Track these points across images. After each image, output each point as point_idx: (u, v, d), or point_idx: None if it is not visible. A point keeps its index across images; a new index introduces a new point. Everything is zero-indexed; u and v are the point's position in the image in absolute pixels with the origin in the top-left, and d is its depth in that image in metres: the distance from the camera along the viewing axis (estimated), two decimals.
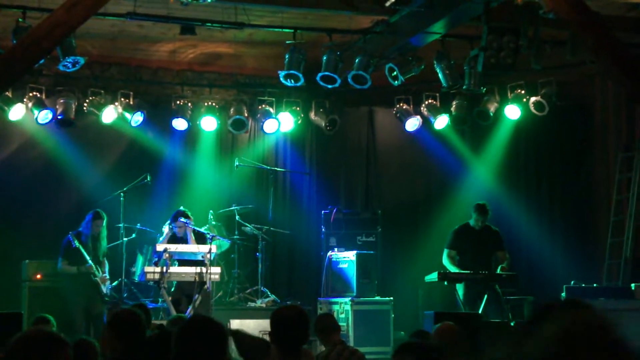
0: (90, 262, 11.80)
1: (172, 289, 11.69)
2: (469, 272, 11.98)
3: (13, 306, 11.83)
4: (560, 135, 14.89)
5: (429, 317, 10.28)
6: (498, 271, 12.01)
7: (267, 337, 10.13)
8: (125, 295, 12.76)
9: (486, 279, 11.92)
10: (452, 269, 12.08)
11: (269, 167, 14.18)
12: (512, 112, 14.25)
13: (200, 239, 11.88)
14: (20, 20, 10.76)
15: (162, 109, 14.16)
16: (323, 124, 14.46)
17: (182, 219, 11.83)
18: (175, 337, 4.02)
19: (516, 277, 12.12)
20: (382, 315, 12.32)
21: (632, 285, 12.07)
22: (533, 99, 13.96)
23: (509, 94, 14.20)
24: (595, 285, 12.58)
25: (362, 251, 12.97)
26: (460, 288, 12.02)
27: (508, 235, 13.75)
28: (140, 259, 12.98)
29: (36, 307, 11.81)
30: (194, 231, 11.91)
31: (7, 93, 12.72)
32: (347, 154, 15.31)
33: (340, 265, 12.87)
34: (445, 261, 12.26)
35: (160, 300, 11.94)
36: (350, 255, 12.79)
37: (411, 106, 14.51)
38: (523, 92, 14.08)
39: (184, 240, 11.83)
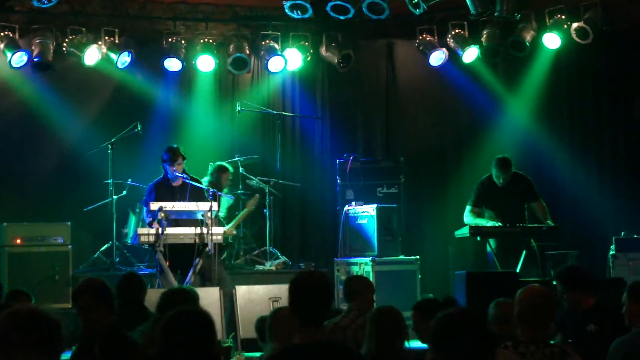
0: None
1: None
2: (504, 225, 12.03)
3: None
4: (607, 66, 14.79)
5: (460, 277, 10.40)
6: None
7: (277, 305, 10.32)
8: (117, 260, 12.89)
9: (524, 233, 11.98)
10: (481, 222, 12.10)
11: (275, 112, 14.19)
12: (552, 40, 14.18)
13: (196, 194, 11.77)
14: None
15: (152, 48, 14.15)
16: (335, 61, 14.44)
17: (181, 162, 11.67)
18: (159, 335, 4.17)
19: (558, 230, 12.16)
20: (407, 276, 12.39)
21: None
22: (575, 25, 13.87)
23: (547, 20, 14.12)
24: None
25: (384, 204, 12.99)
26: (492, 244, 12.10)
27: (549, 183, 13.81)
28: (132, 219, 13.08)
29: (17, 276, 11.93)
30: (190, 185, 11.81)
31: None
32: (363, 94, 15.30)
33: (359, 221, 12.92)
34: (467, 218, 12.28)
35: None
36: (370, 209, 12.82)
37: (435, 37, 14.46)
38: (563, 17, 14.00)
39: (180, 191, 11.71)
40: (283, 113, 14.34)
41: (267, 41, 14.27)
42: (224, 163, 12.71)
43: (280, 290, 10.86)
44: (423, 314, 7.04)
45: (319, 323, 4.99)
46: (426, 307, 7.13)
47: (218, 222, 11.73)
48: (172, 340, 4.13)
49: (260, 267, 13.10)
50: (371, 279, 11.95)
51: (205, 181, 12.47)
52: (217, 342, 4.35)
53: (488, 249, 12.18)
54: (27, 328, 3.39)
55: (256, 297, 10.73)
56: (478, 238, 12.07)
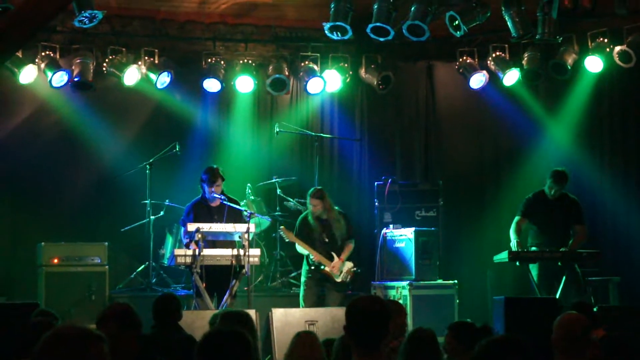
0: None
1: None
2: (544, 249, 11.95)
3: (28, 294, 12.06)
4: None
5: (499, 303, 10.29)
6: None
7: (313, 328, 10.31)
8: (154, 281, 12.94)
9: (564, 258, 11.88)
10: (514, 239, 12.01)
11: (313, 133, 14.19)
12: (594, 64, 14.10)
13: (234, 215, 11.76)
14: None
15: (191, 68, 14.24)
16: (375, 82, 14.46)
17: (220, 183, 11.62)
18: (196, 354, 4.17)
19: (599, 255, 12.05)
20: (445, 301, 12.35)
21: None
22: (618, 48, 13.79)
23: (589, 44, 14.04)
24: None
25: (422, 228, 12.98)
26: (534, 268, 11.99)
27: (590, 207, 13.65)
28: (169, 240, 13.12)
29: (54, 296, 12.00)
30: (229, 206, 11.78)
31: (16, 53, 12.87)
32: (402, 117, 15.30)
33: (397, 245, 12.90)
34: (511, 230, 12.18)
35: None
36: (408, 232, 12.80)
37: (476, 60, 14.44)
38: (606, 40, 13.92)
39: (218, 212, 11.71)
40: (321, 134, 14.36)
41: (307, 62, 14.33)
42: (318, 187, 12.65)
43: (317, 313, 10.84)
44: (456, 335, 7.02)
45: (376, 348, 4.96)
46: (461, 329, 7.10)
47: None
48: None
49: (297, 290, 13.09)
50: (408, 303, 11.98)
51: (243, 203, 12.47)
52: None
53: (529, 274, 12.07)
54: (75, 347, 3.42)
55: (292, 320, 10.70)
56: (517, 263, 11.98)
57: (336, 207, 12.42)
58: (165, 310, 8.27)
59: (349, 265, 12.16)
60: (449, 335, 7.11)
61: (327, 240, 12.20)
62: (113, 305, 6.09)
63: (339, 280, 12.05)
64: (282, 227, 12.33)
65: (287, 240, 12.34)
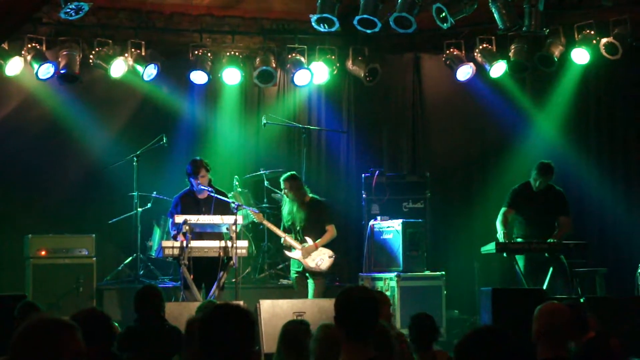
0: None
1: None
2: (530, 241, 11.96)
3: (15, 286, 12.01)
4: (636, 82, 14.71)
5: (486, 293, 10.30)
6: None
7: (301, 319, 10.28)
8: (141, 273, 12.92)
9: (551, 249, 11.88)
10: (501, 230, 12.02)
11: (301, 125, 14.17)
12: (580, 56, 14.13)
13: (221, 207, 11.73)
14: None
15: (178, 61, 14.21)
16: (362, 74, 14.44)
17: (204, 174, 11.58)
18: (199, 327, 4.11)
19: (586, 247, 12.07)
20: (432, 292, 12.34)
21: None
22: (604, 40, 13.82)
23: (576, 36, 14.07)
24: None
25: (409, 219, 12.96)
26: (521, 260, 12.00)
27: (577, 199, 13.70)
28: (157, 232, 13.09)
29: (41, 288, 11.97)
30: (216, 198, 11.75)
31: (2, 45, 12.82)
32: (389, 109, 15.30)
33: (384, 236, 12.90)
34: (498, 221, 12.19)
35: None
36: (396, 224, 12.79)
37: (463, 52, 14.44)
38: (592, 32, 13.95)
39: (206, 204, 11.68)
40: (309, 127, 14.31)
41: (294, 54, 14.30)
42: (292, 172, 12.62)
43: (304, 305, 10.82)
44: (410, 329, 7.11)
45: (365, 338, 4.94)
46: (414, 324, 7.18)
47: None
48: (213, 332, 4.06)
49: (285, 282, 13.09)
50: (396, 295, 11.98)
51: (230, 195, 12.43)
52: (254, 344, 4.25)
53: (516, 265, 12.08)
54: (48, 337, 3.41)
55: (280, 312, 10.67)
56: (504, 254, 11.98)
57: (313, 195, 12.38)
58: (147, 302, 8.21)
59: (326, 252, 12.11)
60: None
61: (298, 226, 12.20)
62: (81, 311, 5.92)
63: (311, 265, 12.02)
64: (250, 208, 12.36)
65: (256, 220, 12.40)
